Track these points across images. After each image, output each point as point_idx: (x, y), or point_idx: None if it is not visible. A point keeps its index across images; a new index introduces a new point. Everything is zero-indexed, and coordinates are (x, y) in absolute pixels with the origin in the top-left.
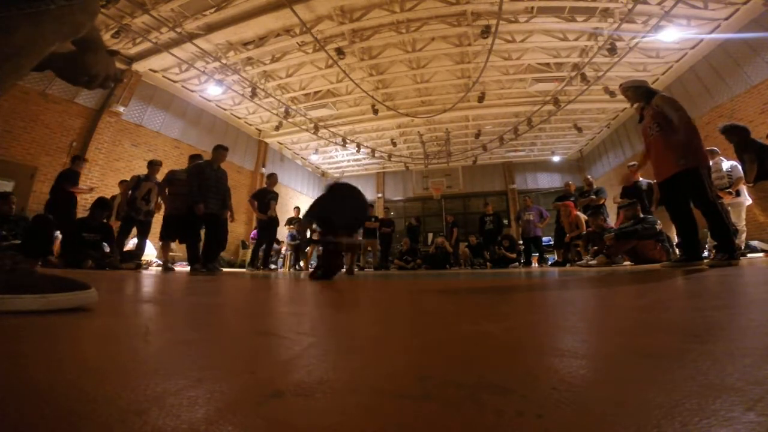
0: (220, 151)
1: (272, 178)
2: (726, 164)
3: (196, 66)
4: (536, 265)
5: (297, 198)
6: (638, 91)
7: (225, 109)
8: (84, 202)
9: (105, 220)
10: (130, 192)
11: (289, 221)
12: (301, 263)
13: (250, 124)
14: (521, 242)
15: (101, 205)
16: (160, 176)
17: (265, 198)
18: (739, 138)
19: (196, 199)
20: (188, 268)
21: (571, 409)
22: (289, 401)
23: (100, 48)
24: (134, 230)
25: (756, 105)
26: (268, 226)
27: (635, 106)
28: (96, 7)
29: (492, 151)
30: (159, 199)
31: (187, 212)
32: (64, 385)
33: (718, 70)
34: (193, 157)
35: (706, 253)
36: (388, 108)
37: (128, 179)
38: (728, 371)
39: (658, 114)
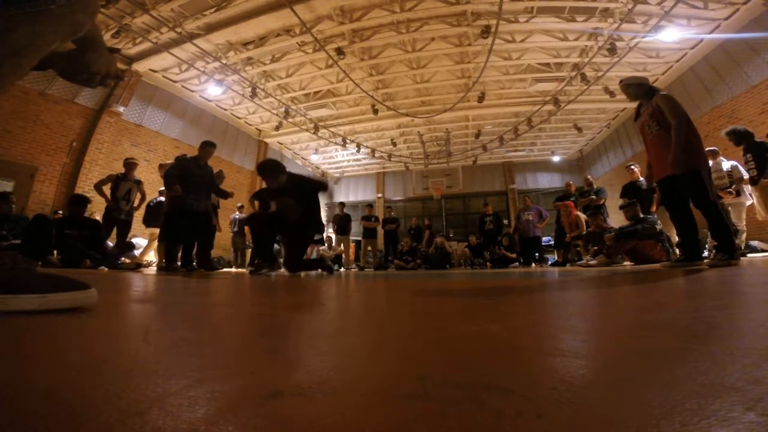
0: (207, 147)
1: None
2: (726, 164)
3: (196, 66)
4: (534, 264)
5: None
6: (640, 89)
7: (225, 109)
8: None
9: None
10: (110, 192)
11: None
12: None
13: (250, 124)
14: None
15: (78, 201)
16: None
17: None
18: (748, 141)
19: (171, 189)
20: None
21: (571, 409)
22: (289, 401)
23: (100, 46)
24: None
25: (756, 105)
26: None
27: (635, 104)
28: (96, 6)
29: (492, 151)
30: (139, 197)
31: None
32: (64, 385)
33: (718, 70)
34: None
35: (706, 253)
36: (388, 108)
37: (104, 177)
38: (728, 371)
39: (657, 112)
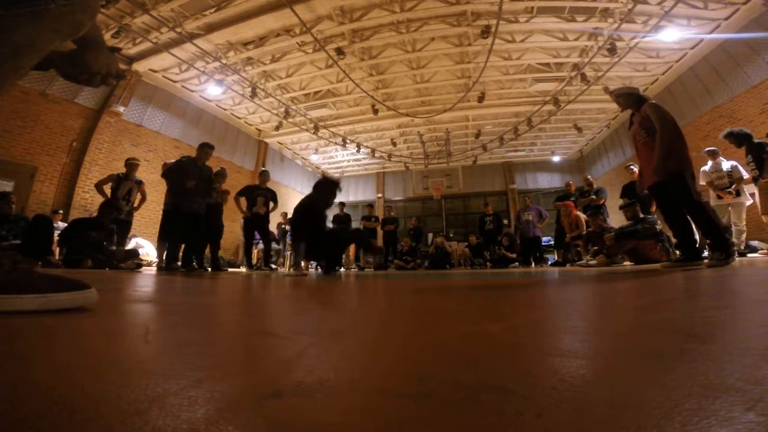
0: (205, 149)
1: (263, 176)
2: (726, 164)
3: (196, 66)
4: (534, 264)
5: (297, 198)
6: (630, 99)
7: (225, 109)
8: (83, 202)
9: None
10: (111, 191)
11: (290, 222)
12: (302, 263)
13: (250, 124)
14: (520, 242)
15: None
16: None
17: (252, 194)
18: (748, 142)
19: (176, 198)
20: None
21: (571, 409)
22: (289, 401)
23: (100, 45)
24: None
25: (756, 105)
26: (254, 224)
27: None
28: (96, 6)
29: (492, 151)
30: (139, 197)
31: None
32: (64, 385)
33: (718, 70)
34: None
35: (706, 253)
36: (388, 108)
37: (105, 177)
38: (728, 371)
39: (646, 120)
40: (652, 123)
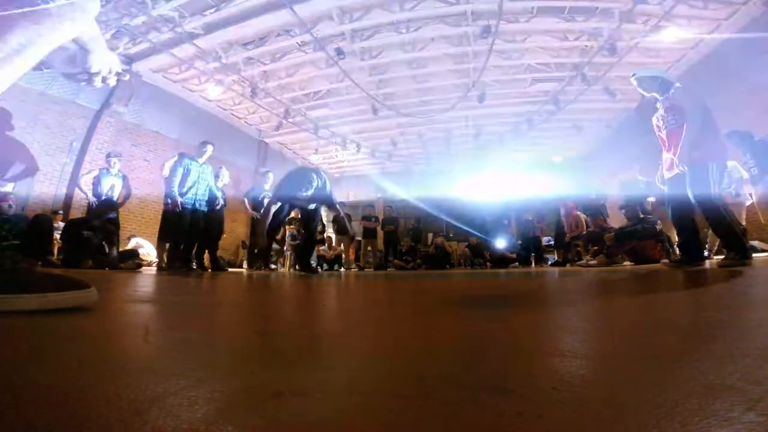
0: (206, 146)
1: (265, 177)
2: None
3: (195, 66)
4: (534, 265)
5: None
6: (654, 82)
7: (225, 109)
8: (84, 202)
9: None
10: (92, 187)
11: (290, 221)
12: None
13: (250, 124)
14: (520, 242)
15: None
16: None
17: (259, 196)
18: (747, 141)
19: (172, 195)
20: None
21: (571, 409)
22: (289, 401)
23: (101, 45)
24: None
25: (756, 105)
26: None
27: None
28: (95, 5)
29: None
30: (124, 193)
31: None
32: (64, 385)
33: (717, 70)
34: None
35: (705, 254)
36: (388, 108)
37: (87, 172)
38: (728, 371)
39: (675, 106)
40: (683, 109)
